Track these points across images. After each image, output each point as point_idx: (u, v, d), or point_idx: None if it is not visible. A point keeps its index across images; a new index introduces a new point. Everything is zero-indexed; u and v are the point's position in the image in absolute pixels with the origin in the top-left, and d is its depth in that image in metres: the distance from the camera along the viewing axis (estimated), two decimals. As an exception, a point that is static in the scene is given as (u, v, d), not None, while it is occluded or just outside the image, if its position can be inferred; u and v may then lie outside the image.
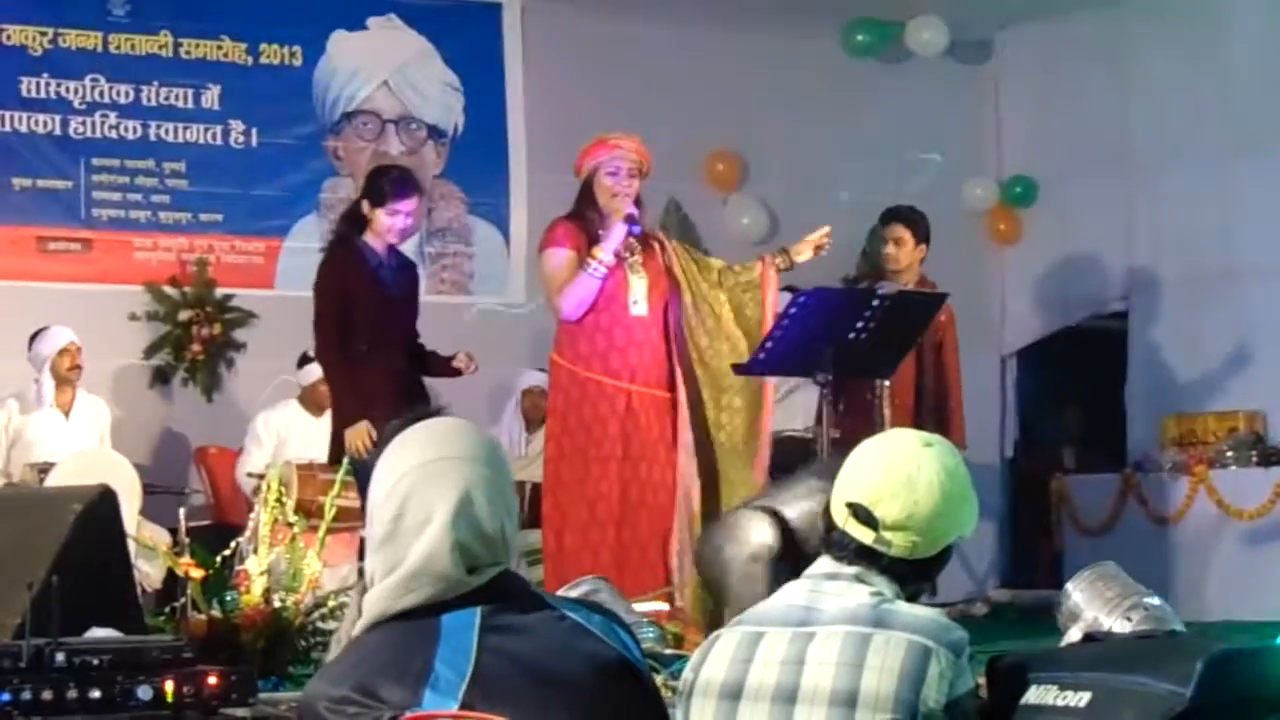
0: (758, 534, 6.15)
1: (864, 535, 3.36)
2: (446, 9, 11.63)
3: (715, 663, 3.35)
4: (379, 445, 2.99)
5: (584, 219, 7.71)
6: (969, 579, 11.72)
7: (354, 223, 8.03)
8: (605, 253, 7.59)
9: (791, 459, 9.20)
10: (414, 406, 7.30)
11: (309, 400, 9.96)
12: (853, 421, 8.51)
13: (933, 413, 8.92)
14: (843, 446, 7.32)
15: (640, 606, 6.89)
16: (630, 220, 7.59)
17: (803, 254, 7.92)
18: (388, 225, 7.91)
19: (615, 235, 7.60)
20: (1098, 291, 12.22)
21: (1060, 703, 3.31)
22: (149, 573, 8.27)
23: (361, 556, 2.98)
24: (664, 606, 7.16)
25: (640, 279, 7.69)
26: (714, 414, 7.80)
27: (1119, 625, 4.01)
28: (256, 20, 11.15)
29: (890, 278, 8.98)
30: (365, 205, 7.95)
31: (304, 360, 9.85)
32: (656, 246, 7.86)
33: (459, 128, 11.69)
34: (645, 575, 7.43)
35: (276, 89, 11.18)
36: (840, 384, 8.62)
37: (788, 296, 8.91)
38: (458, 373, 8.15)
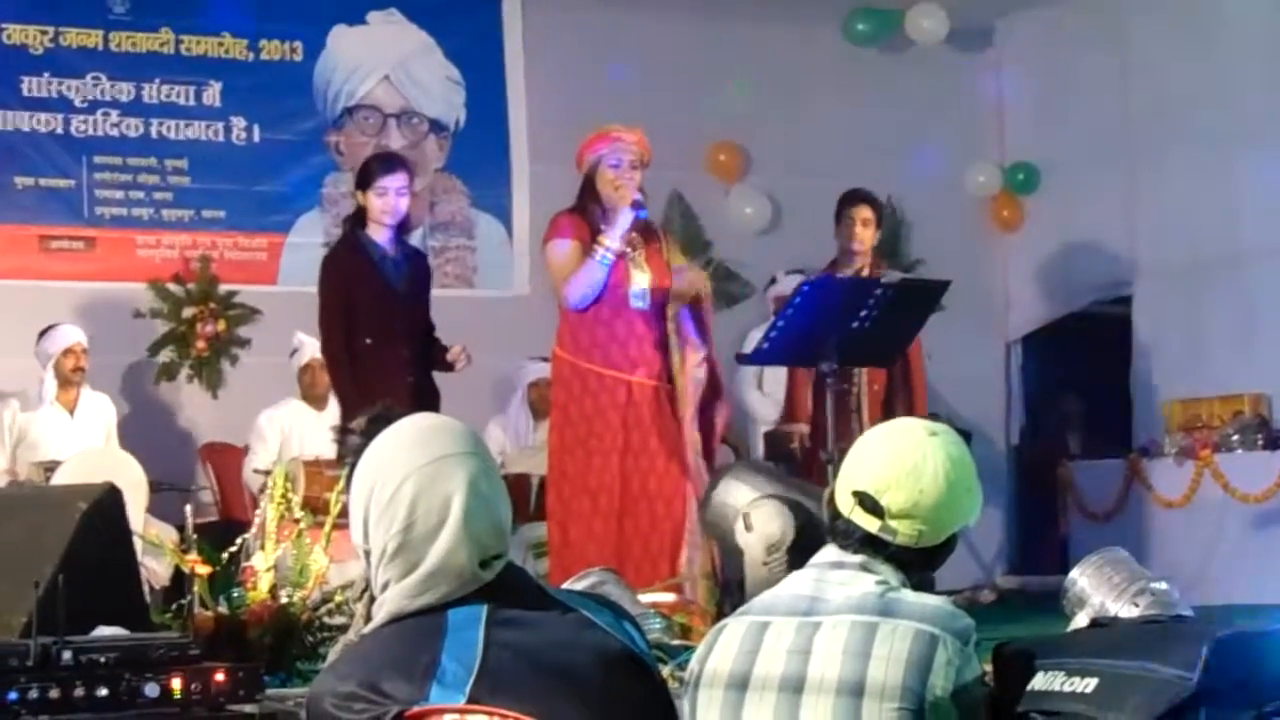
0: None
1: (869, 524, 3.36)
2: (447, 2, 11.63)
3: (721, 653, 3.35)
4: (364, 441, 2.98)
5: (587, 211, 7.69)
6: (976, 566, 11.73)
7: (355, 218, 8.08)
8: (613, 240, 7.57)
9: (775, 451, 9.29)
10: (420, 400, 7.31)
11: (304, 390, 9.97)
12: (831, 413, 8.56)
13: (902, 396, 8.95)
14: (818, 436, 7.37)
15: (649, 597, 6.89)
16: (637, 205, 7.57)
17: (682, 293, 7.81)
18: (379, 205, 7.95)
19: (622, 221, 7.57)
20: (1101, 277, 12.21)
21: (1067, 688, 3.32)
22: (156, 570, 8.28)
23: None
24: (672, 597, 7.16)
25: (643, 273, 7.67)
26: None
27: (1125, 611, 4.02)
28: (257, 16, 11.15)
29: (848, 259, 9.02)
30: (359, 195, 8.00)
31: (293, 351, 9.91)
32: (656, 242, 7.84)
33: (460, 121, 11.69)
34: (648, 566, 7.43)
35: (278, 85, 11.18)
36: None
37: (793, 281, 8.95)
38: (450, 367, 8.16)
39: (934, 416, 8.17)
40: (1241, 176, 11.03)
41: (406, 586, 2.83)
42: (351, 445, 7.04)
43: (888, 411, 8.67)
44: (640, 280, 7.66)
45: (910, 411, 8.87)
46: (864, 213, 9.02)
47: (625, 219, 7.57)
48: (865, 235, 8.99)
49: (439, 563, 2.82)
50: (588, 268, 7.56)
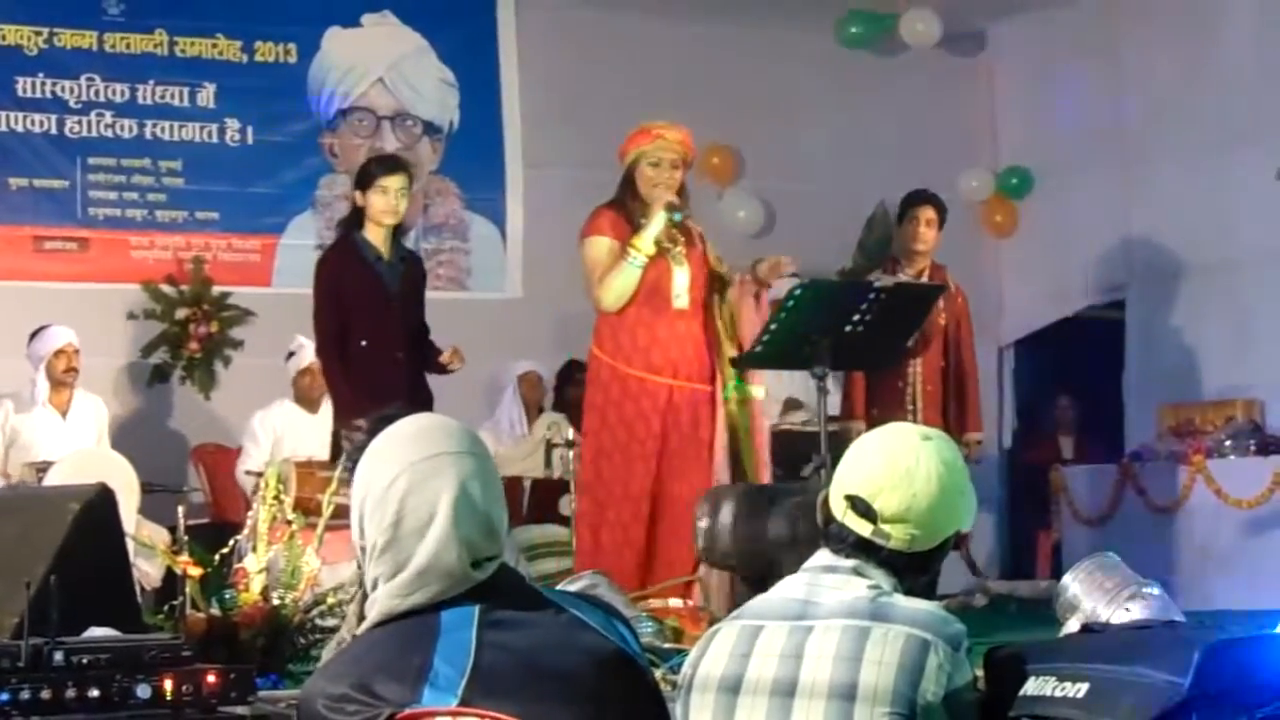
0: None
1: (862, 528, 3.36)
2: (441, 5, 11.64)
3: (714, 657, 3.35)
4: (365, 441, 2.99)
5: (626, 208, 7.61)
6: (968, 570, 11.72)
7: (352, 221, 8.05)
8: (645, 242, 7.47)
9: (793, 451, 9.27)
10: (415, 402, 7.32)
11: (298, 394, 9.97)
12: (884, 412, 8.56)
13: (955, 398, 9.01)
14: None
15: (658, 603, 6.89)
16: (670, 208, 7.51)
17: (767, 274, 7.82)
18: (381, 204, 7.90)
19: (655, 224, 7.48)
20: (1094, 281, 12.22)
21: (1058, 693, 3.32)
22: (148, 571, 8.27)
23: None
24: (680, 603, 7.13)
25: (683, 271, 7.59)
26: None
27: (1117, 615, 4.02)
28: (251, 18, 11.16)
29: (908, 260, 9.03)
30: (357, 196, 7.97)
31: (289, 355, 9.91)
32: (697, 239, 7.78)
33: (454, 124, 11.69)
34: (678, 569, 7.37)
35: (272, 86, 11.18)
36: (868, 374, 8.74)
37: (787, 285, 8.93)
38: (444, 369, 8.12)
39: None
40: (1234, 181, 11.04)
41: (396, 585, 2.84)
42: (357, 443, 7.05)
43: (945, 414, 8.76)
44: (681, 278, 7.59)
45: (964, 414, 8.96)
46: (928, 213, 9.06)
47: (658, 222, 7.51)
48: (928, 236, 9.03)
49: (427, 561, 2.82)
50: (619, 271, 7.48)
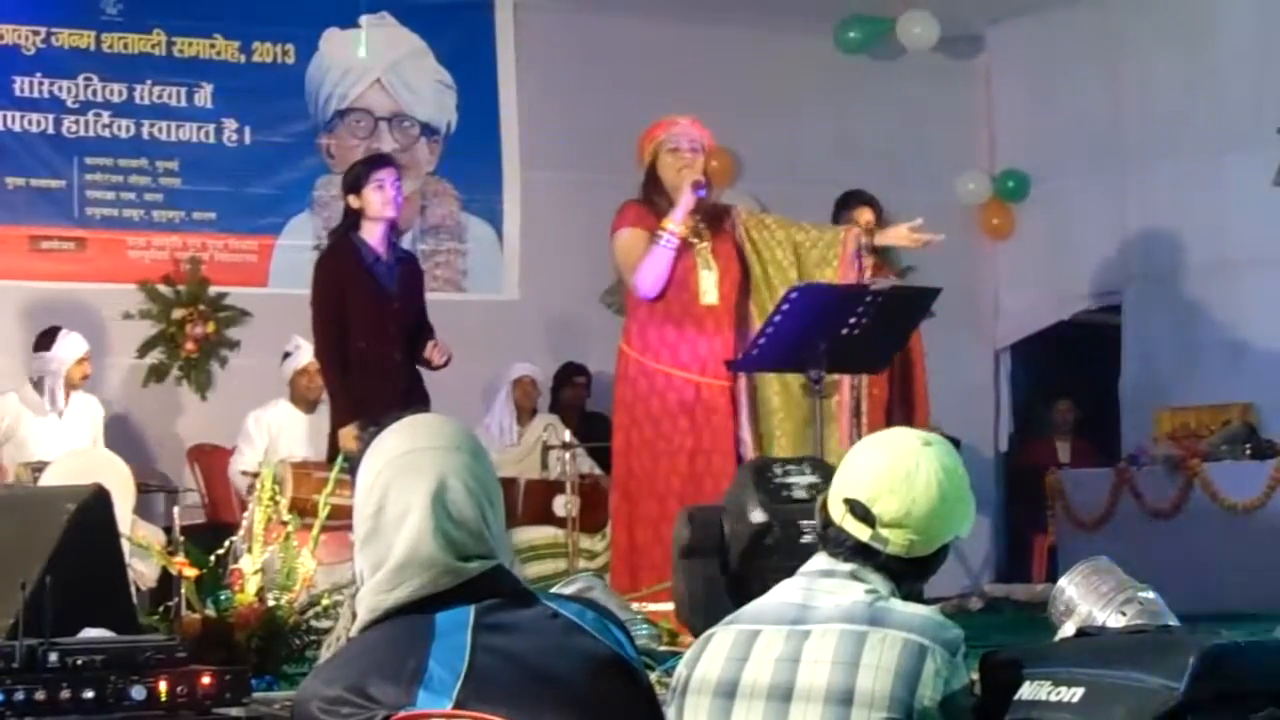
0: None
1: (861, 532, 3.35)
2: (439, 6, 11.62)
3: (710, 660, 3.35)
4: (366, 446, 3.00)
5: (652, 202, 7.64)
6: (964, 573, 11.72)
7: (346, 224, 8.03)
8: (675, 222, 7.50)
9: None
10: (412, 403, 7.32)
11: (294, 395, 9.96)
12: None
13: (900, 393, 8.92)
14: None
15: (659, 606, 6.88)
16: (697, 186, 7.50)
17: (888, 239, 7.84)
18: (379, 200, 7.88)
19: (684, 202, 7.52)
20: (1091, 285, 12.22)
21: (1054, 698, 3.32)
22: (143, 572, 8.26)
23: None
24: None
25: (710, 270, 7.60)
26: (780, 397, 7.72)
27: (1113, 620, 4.03)
28: (249, 18, 11.15)
29: None
30: (351, 199, 7.94)
31: (285, 355, 9.90)
32: (728, 227, 7.77)
33: (452, 125, 11.69)
34: None
35: (269, 87, 11.18)
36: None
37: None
38: (429, 365, 8.11)
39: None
40: (1230, 184, 11.05)
41: (379, 580, 2.84)
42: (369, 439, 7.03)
43: (889, 418, 8.68)
44: (708, 276, 7.59)
45: (911, 418, 8.89)
46: (865, 215, 8.90)
47: (687, 199, 7.52)
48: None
49: (406, 553, 2.81)
50: (652, 254, 7.50)
